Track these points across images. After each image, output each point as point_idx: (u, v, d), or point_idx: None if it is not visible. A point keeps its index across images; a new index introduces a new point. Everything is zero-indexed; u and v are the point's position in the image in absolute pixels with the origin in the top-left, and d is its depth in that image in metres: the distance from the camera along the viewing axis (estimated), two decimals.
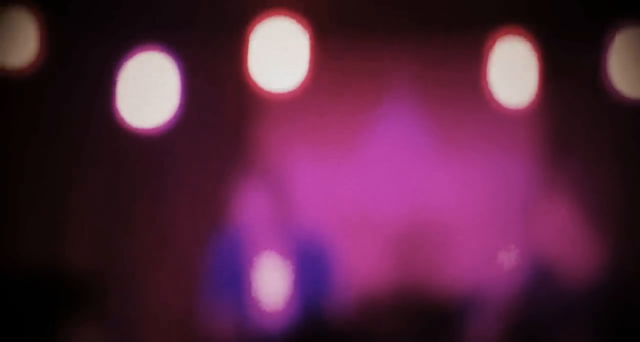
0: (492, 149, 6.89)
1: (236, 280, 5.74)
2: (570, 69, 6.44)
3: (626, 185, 6.81)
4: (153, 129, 6.48)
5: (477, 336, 5.52)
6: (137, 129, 6.41)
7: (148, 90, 6.38)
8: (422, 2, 6.52)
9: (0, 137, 6.64)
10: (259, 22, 6.27)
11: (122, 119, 6.35)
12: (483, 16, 6.40)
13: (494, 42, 6.29)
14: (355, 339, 5.94)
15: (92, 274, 6.61)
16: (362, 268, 6.77)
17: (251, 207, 5.66)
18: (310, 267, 5.77)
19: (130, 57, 6.35)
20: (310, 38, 6.28)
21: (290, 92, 6.42)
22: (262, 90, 6.44)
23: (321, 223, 6.13)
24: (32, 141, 6.59)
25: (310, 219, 6.02)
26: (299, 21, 6.26)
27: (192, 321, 6.23)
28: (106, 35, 6.32)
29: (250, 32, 6.29)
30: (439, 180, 6.91)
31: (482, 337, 5.48)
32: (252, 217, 5.64)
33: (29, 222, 6.84)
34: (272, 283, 5.76)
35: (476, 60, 6.38)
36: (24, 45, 6.14)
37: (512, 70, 6.29)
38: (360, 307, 6.41)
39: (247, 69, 6.39)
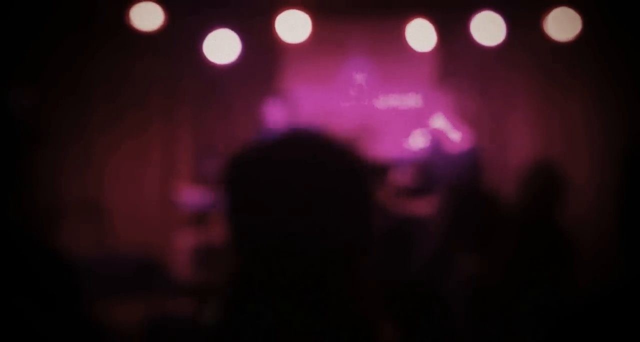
0: (407, 79, 8.36)
1: None
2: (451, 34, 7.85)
3: (488, 100, 8.32)
4: (226, 64, 8.03)
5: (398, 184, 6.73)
6: (216, 63, 7.98)
7: (223, 43, 7.93)
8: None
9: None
10: (282, 10, 7.77)
11: (208, 58, 7.98)
12: (403, 8, 7.91)
13: (409, 22, 7.83)
14: None
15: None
16: None
17: (275, 113, 7.23)
18: None
19: (213, 28, 7.91)
20: (311, 18, 7.79)
21: (299, 45, 7.94)
22: (284, 42, 7.92)
23: (311, 120, 7.76)
24: (157, 72, 8.40)
25: (306, 118, 7.64)
26: (303, 10, 7.82)
27: None
28: (199, 17, 8.04)
29: (276, 16, 7.77)
30: (375, 93, 8.37)
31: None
32: (275, 119, 7.19)
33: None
34: None
35: (400, 32, 7.90)
36: (154, 19, 7.95)
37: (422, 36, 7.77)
38: None
39: (275, 32, 7.78)
